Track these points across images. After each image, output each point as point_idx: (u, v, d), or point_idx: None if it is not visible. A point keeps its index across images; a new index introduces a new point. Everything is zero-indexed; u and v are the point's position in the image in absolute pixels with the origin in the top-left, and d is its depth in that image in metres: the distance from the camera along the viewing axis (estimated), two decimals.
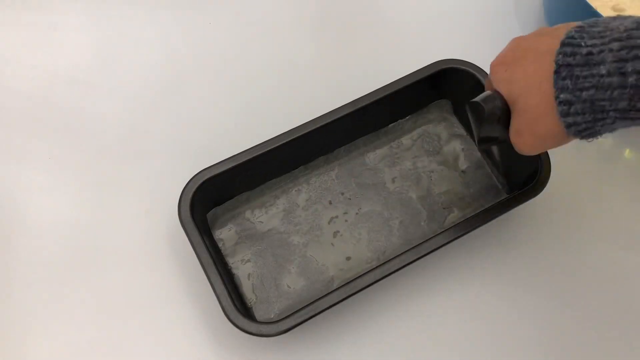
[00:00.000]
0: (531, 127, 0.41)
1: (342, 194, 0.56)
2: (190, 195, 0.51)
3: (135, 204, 0.57)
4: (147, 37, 0.66)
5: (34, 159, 0.59)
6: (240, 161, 0.52)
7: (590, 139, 0.39)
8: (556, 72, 0.38)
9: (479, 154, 0.58)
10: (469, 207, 0.56)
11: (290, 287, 0.53)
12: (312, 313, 0.47)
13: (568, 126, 0.38)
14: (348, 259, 0.54)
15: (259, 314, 0.52)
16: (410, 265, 0.49)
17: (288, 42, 0.66)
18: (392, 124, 0.59)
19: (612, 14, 0.56)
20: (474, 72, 0.56)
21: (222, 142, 0.59)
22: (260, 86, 0.63)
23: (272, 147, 0.53)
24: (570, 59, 0.37)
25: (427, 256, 0.49)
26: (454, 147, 0.59)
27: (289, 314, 0.48)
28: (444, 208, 0.56)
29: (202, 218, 0.53)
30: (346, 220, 0.55)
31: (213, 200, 0.55)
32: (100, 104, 0.62)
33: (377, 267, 0.49)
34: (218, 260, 0.50)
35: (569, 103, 0.37)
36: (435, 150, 0.59)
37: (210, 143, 0.59)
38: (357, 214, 0.55)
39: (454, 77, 0.57)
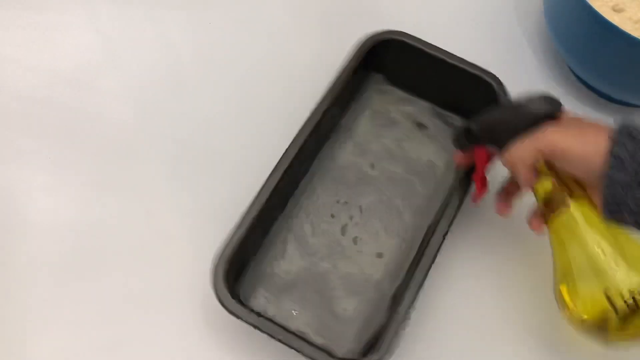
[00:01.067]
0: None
1: (337, 201, 0.56)
2: (221, 276, 0.48)
3: (135, 205, 0.57)
4: (147, 37, 0.66)
5: (34, 159, 0.59)
6: (247, 226, 0.50)
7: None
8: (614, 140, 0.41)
9: (433, 111, 0.60)
10: (449, 157, 0.58)
11: (347, 310, 0.52)
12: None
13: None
14: (379, 255, 0.54)
15: (338, 351, 0.50)
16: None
17: (288, 42, 0.66)
18: (343, 119, 0.60)
19: (612, 14, 0.56)
20: (402, 38, 0.57)
21: (222, 142, 0.59)
22: (260, 86, 0.63)
23: (263, 202, 0.51)
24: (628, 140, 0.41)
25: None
26: (407, 112, 0.60)
27: (367, 340, 0.49)
28: (428, 167, 0.57)
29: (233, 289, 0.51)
30: (356, 223, 0.55)
31: (235, 273, 0.52)
32: (100, 104, 0.62)
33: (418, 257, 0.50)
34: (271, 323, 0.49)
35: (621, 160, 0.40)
36: (392, 122, 0.60)
37: (210, 143, 0.59)
38: (361, 212, 0.56)
39: (384, 49, 0.58)
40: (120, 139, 0.60)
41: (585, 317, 0.43)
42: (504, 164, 0.48)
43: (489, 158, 0.50)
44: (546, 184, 0.46)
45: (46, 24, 0.66)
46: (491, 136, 0.48)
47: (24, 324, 0.52)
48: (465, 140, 0.50)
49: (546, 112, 0.46)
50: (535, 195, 0.47)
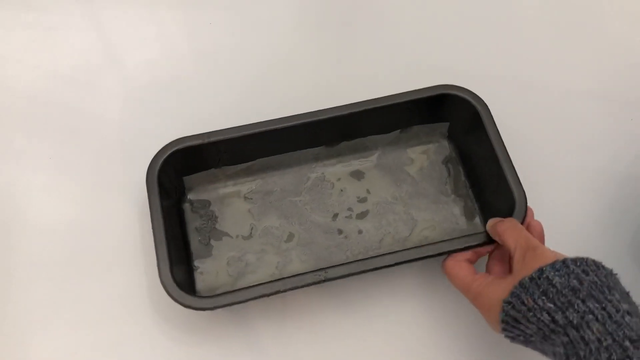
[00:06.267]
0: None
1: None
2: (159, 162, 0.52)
3: (136, 204, 0.57)
4: (147, 37, 0.66)
5: (34, 159, 0.59)
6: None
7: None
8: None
9: (464, 184, 0.57)
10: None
11: None
12: (250, 296, 0.47)
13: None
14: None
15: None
16: (357, 275, 0.49)
17: (288, 42, 0.66)
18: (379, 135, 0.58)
19: None
20: (470, 99, 0.54)
21: None
22: (260, 86, 0.63)
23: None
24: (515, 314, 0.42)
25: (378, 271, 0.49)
26: (440, 172, 0.58)
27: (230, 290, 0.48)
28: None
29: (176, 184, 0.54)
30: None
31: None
32: (100, 104, 0.62)
33: (325, 268, 0.48)
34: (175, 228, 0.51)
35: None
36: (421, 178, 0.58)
37: None
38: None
39: (452, 102, 0.55)
40: (120, 139, 0.60)
41: None
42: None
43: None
44: None
45: (46, 24, 0.66)
46: None
47: (23, 324, 0.52)
48: None
49: None
50: None
